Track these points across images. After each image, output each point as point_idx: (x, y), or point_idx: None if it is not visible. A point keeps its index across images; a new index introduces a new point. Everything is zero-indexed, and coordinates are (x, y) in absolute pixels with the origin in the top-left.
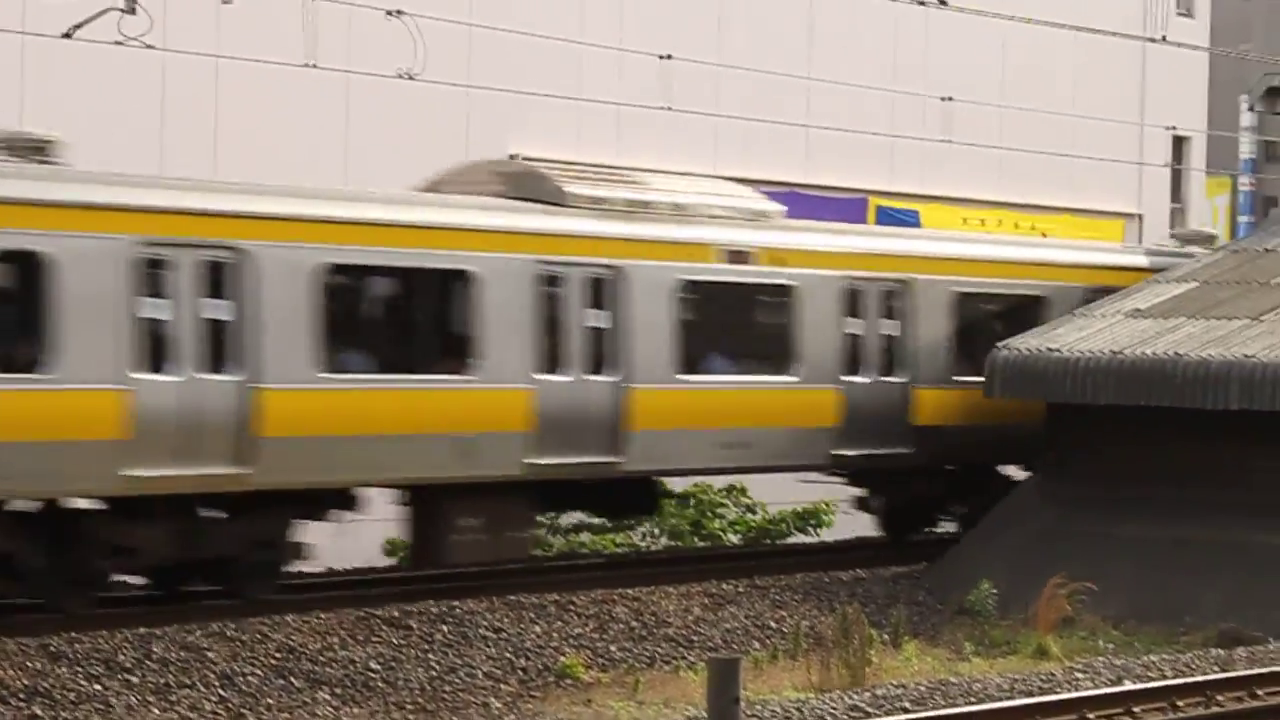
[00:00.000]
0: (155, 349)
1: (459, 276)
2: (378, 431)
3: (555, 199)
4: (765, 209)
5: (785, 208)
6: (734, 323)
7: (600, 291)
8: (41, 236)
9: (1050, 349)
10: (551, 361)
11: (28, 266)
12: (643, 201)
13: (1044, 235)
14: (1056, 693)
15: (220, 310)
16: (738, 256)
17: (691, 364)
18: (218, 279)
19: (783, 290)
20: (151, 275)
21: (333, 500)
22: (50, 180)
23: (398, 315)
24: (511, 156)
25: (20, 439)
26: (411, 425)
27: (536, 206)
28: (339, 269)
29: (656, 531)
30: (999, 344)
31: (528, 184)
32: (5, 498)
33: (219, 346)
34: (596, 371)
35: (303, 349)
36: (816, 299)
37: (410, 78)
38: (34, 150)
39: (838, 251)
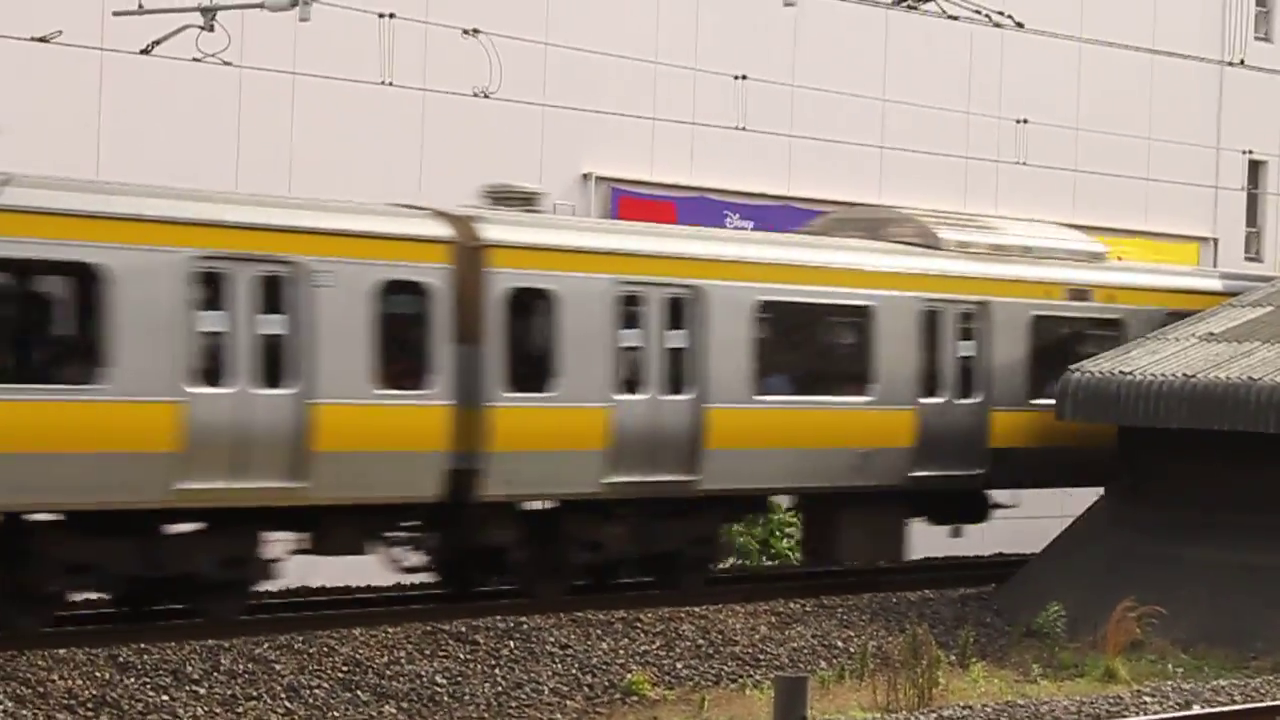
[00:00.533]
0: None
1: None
2: None
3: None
4: (1096, 250)
5: (1109, 248)
6: (1073, 350)
7: (969, 324)
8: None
9: (1123, 372)
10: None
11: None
12: (1001, 245)
13: (1119, 259)
14: (1124, 716)
15: (274, 325)
16: (1078, 294)
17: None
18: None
19: (1113, 324)
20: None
21: None
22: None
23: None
24: (585, 176)
25: None
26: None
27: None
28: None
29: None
30: (1071, 367)
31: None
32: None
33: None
34: (965, 395)
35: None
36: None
37: (485, 96)
38: (522, 201)
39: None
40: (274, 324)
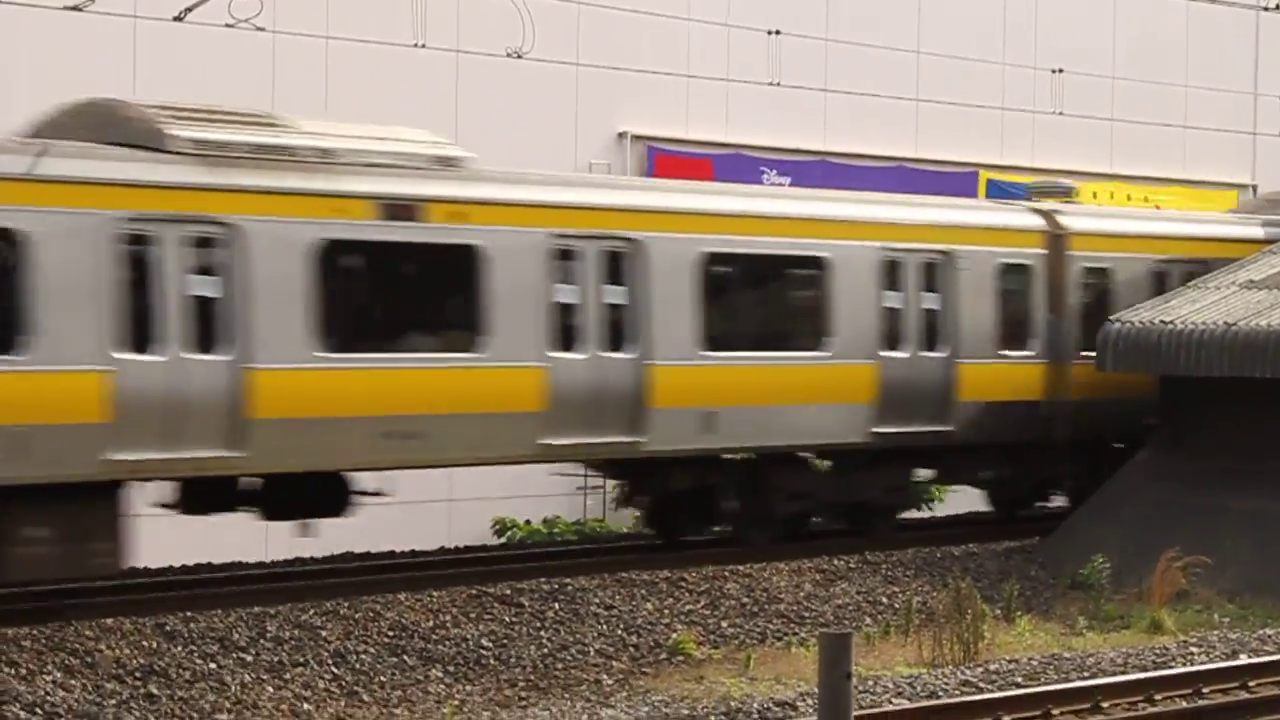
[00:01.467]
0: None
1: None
2: None
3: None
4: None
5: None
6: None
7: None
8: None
9: (1163, 322)
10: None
11: None
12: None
13: (1157, 207)
14: (1171, 667)
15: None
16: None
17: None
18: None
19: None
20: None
21: None
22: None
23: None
24: (620, 135)
25: None
26: None
27: None
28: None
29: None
30: (1111, 317)
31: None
32: None
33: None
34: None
35: None
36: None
37: (519, 56)
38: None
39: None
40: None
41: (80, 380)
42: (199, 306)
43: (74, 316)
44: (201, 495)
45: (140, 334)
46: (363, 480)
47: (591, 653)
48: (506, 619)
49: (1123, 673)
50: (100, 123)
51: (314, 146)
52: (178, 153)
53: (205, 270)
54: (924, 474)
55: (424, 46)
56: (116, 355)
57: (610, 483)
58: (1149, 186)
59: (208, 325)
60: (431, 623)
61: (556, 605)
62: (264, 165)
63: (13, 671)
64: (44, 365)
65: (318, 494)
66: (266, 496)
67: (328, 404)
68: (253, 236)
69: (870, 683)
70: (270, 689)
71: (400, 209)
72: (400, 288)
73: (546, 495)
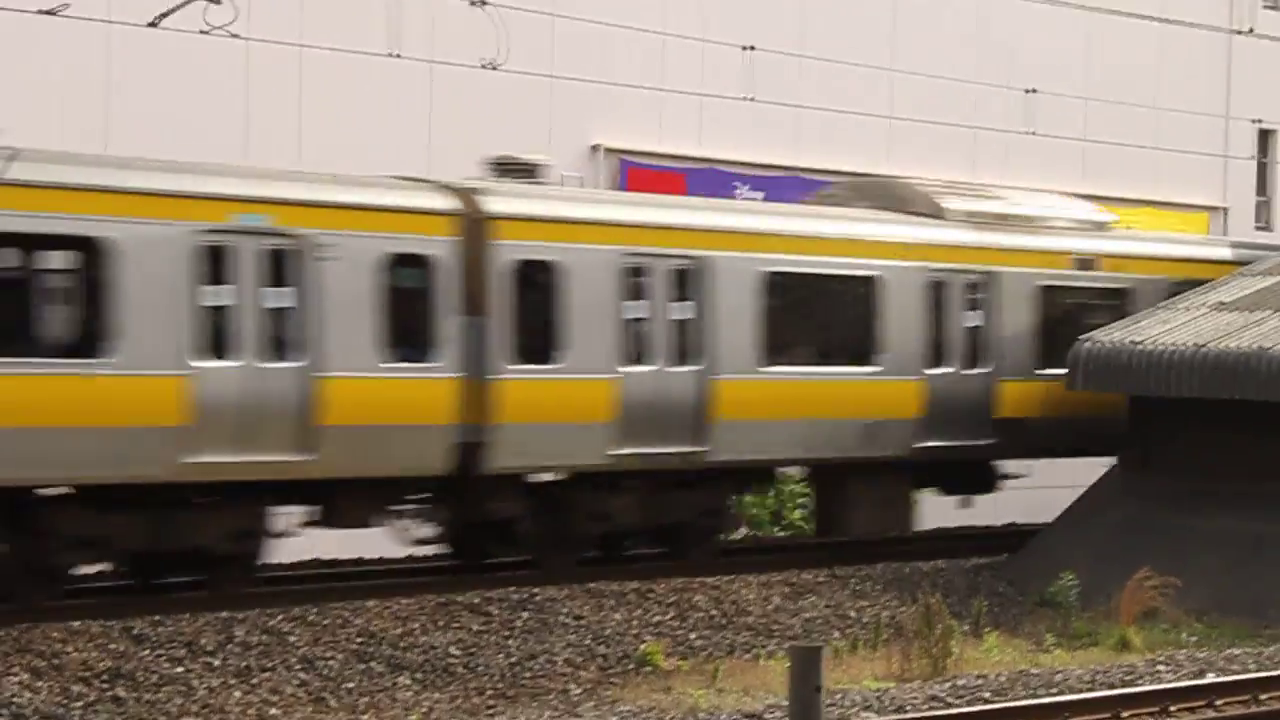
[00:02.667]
0: None
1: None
2: None
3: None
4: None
5: (1116, 218)
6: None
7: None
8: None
9: (1134, 342)
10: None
11: None
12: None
13: (1127, 228)
14: (1138, 685)
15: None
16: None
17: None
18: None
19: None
20: None
21: None
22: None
23: None
24: (593, 147)
25: None
26: None
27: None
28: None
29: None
30: (1082, 337)
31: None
32: None
33: None
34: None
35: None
36: None
37: (493, 68)
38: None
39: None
40: (284, 297)
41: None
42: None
43: None
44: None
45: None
46: None
47: (559, 662)
48: (475, 627)
49: (1090, 690)
50: None
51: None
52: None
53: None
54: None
55: (398, 56)
56: None
57: None
58: (1120, 208)
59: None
60: (400, 630)
61: (525, 614)
62: None
63: None
64: None
65: None
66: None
67: None
68: None
69: (839, 696)
70: (238, 694)
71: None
72: None
73: None
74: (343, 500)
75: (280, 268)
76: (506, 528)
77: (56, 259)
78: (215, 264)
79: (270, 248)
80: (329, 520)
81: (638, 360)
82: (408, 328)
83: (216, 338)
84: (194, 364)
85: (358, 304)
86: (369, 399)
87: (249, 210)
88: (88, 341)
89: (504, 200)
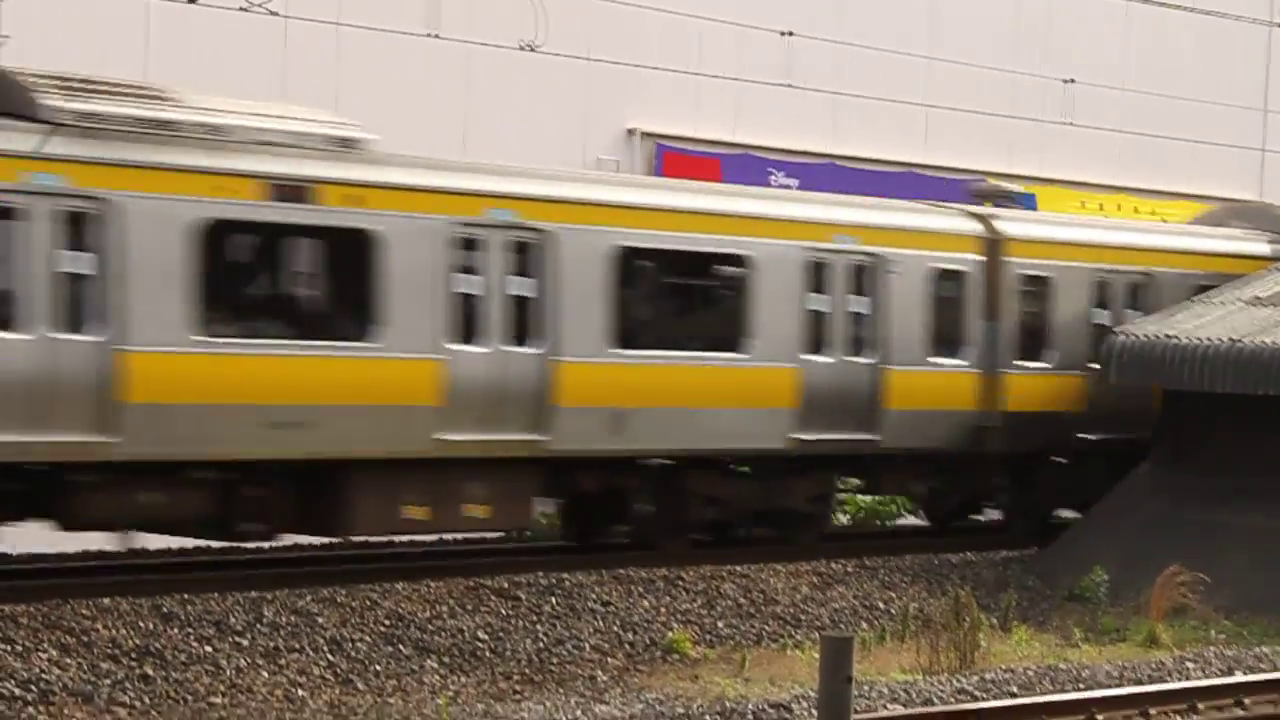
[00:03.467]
0: None
1: None
2: None
3: None
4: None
5: None
6: None
7: None
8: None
9: (1168, 335)
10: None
11: None
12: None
13: (1163, 220)
14: (1166, 682)
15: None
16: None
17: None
18: None
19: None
20: None
21: None
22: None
23: None
24: (629, 131)
25: None
26: None
27: None
28: None
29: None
30: (1116, 329)
31: None
32: None
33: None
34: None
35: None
36: None
37: (531, 49)
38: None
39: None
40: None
41: None
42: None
43: None
44: None
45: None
46: None
47: (587, 648)
48: (503, 612)
49: (1118, 685)
50: None
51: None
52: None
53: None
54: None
55: (437, 36)
56: None
57: None
58: (1156, 200)
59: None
60: (428, 613)
61: (553, 599)
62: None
63: (8, 648)
64: None
65: None
66: None
67: None
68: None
69: (866, 687)
70: (265, 674)
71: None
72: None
73: None
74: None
75: None
76: None
77: None
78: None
79: None
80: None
81: None
82: None
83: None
84: None
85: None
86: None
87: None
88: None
89: (1014, 224)
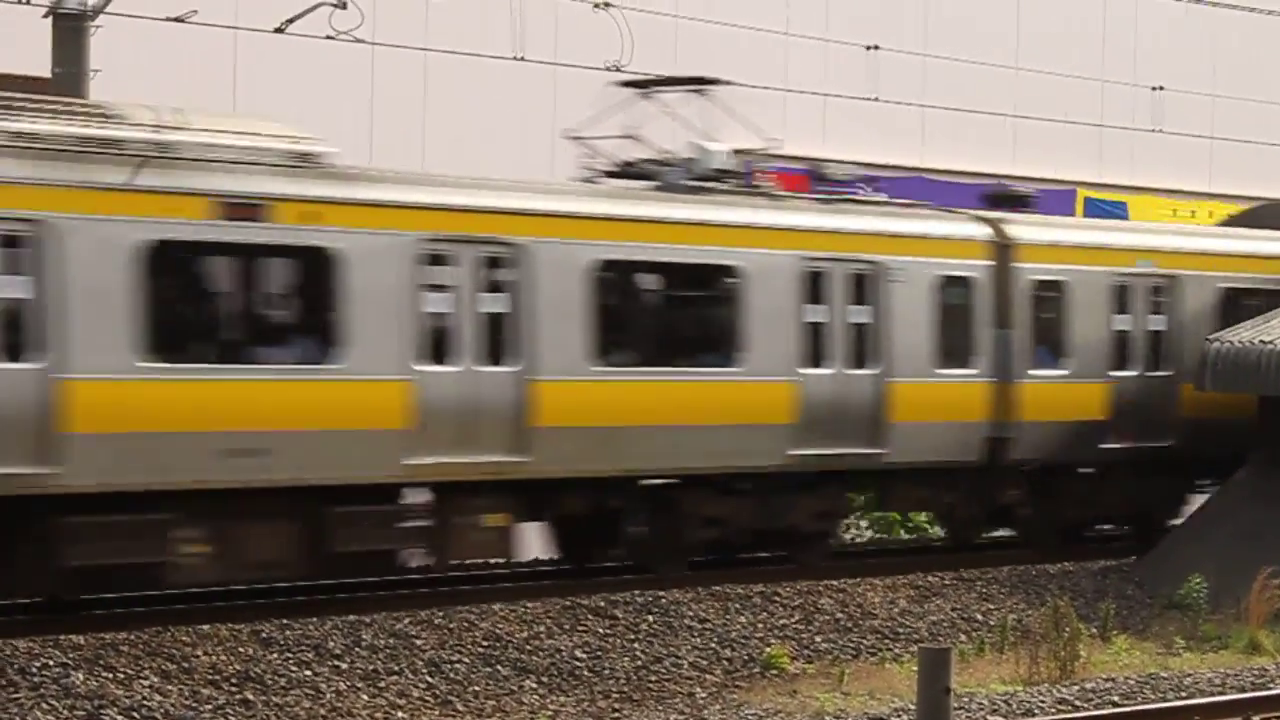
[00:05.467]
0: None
1: None
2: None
3: None
4: None
5: None
6: None
7: None
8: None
9: (1264, 342)
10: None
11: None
12: None
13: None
14: (1269, 688)
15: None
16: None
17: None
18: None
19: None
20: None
21: None
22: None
23: None
24: None
25: None
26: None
27: None
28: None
29: (864, 524)
30: (1210, 337)
31: None
32: None
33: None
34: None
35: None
36: None
37: (618, 69)
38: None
39: None
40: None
41: None
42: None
43: None
44: None
45: None
46: None
47: (685, 665)
48: (600, 630)
49: (1220, 693)
50: None
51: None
52: None
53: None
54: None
55: (522, 59)
56: None
57: None
58: (1249, 207)
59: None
60: (526, 633)
61: (650, 618)
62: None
63: (110, 676)
64: None
65: None
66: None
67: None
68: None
69: (966, 699)
70: (365, 697)
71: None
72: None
73: None
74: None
75: None
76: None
77: None
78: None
79: None
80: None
81: None
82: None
83: None
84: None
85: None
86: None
87: None
88: None
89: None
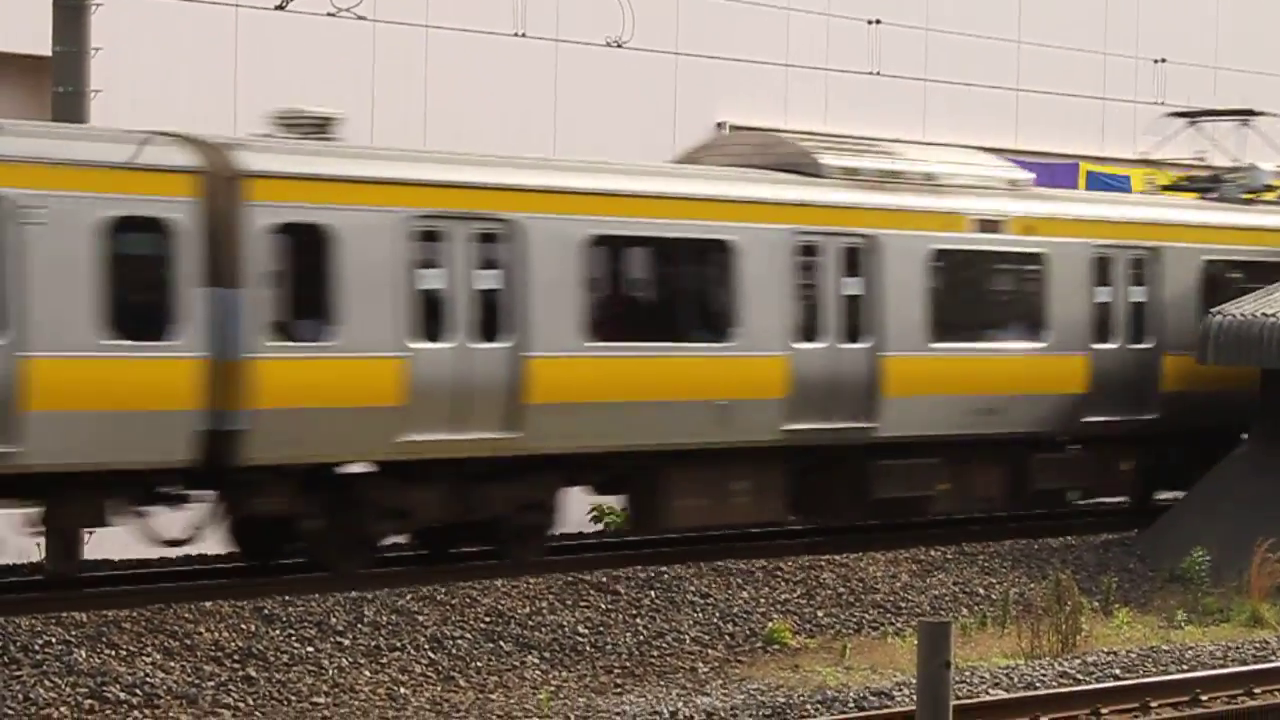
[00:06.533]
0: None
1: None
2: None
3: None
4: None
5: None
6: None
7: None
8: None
9: (1266, 314)
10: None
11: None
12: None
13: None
14: (1271, 661)
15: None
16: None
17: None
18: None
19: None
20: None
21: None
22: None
23: None
24: (719, 125)
25: None
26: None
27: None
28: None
29: None
30: (1213, 310)
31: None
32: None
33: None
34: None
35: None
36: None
37: (619, 46)
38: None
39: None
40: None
41: None
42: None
43: None
44: None
45: None
46: None
47: (687, 641)
48: (602, 606)
49: (1222, 666)
50: None
51: None
52: None
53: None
54: None
55: (524, 35)
56: None
57: None
58: None
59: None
60: (528, 609)
61: (652, 593)
62: None
63: (113, 653)
64: None
65: None
66: None
67: None
68: None
69: (967, 673)
70: (367, 673)
71: None
72: None
73: None
74: None
75: None
76: None
77: None
78: None
79: None
80: None
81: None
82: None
83: None
84: None
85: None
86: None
87: None
88: None
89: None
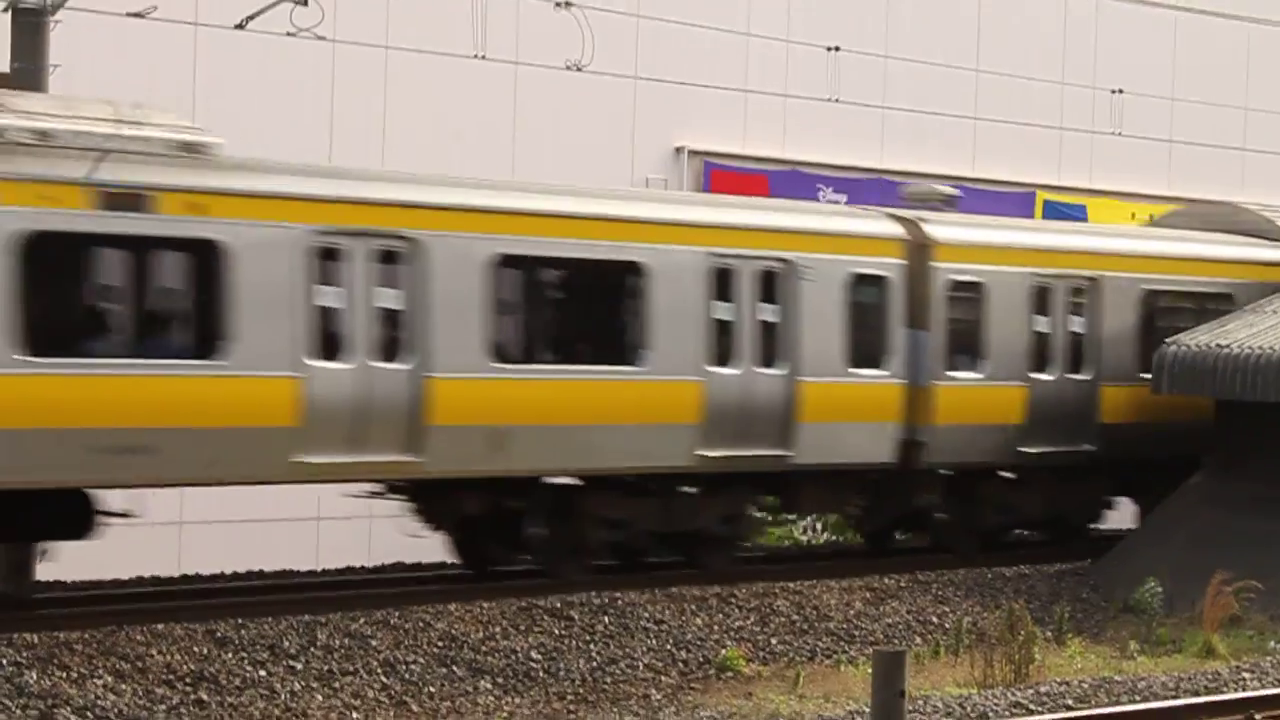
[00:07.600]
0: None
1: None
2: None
3: None
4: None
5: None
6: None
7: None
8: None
9: (1220, 345)
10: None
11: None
12: None
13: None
14: (1223, 692)
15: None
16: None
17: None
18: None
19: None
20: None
21: None
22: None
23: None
24: (677, 149)
25: None
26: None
27: None
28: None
29: (819, 526)
30: (1168, 340)
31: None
32: None
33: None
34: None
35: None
36: None
37: (578, 69)
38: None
39: None
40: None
41: None
42: None
43: None
44: None
45: None
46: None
47: (640, 667)
48: (556, 631)
49: (1174, 697)
50: None
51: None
52: None
53: None
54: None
55: (483, 58)
56: None
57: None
58: None
59: None
60: (481, 634)
61: (606, 619)
62: None
63: (64, 675)
64: None
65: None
66: None
67: None
68: None
69: (921, 702)
70: (320, 697)
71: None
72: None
73: None
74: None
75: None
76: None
77: None
78: None
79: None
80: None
81: None
82: None
83: None
84: None
85: None
86: None
87: None
88: None
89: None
